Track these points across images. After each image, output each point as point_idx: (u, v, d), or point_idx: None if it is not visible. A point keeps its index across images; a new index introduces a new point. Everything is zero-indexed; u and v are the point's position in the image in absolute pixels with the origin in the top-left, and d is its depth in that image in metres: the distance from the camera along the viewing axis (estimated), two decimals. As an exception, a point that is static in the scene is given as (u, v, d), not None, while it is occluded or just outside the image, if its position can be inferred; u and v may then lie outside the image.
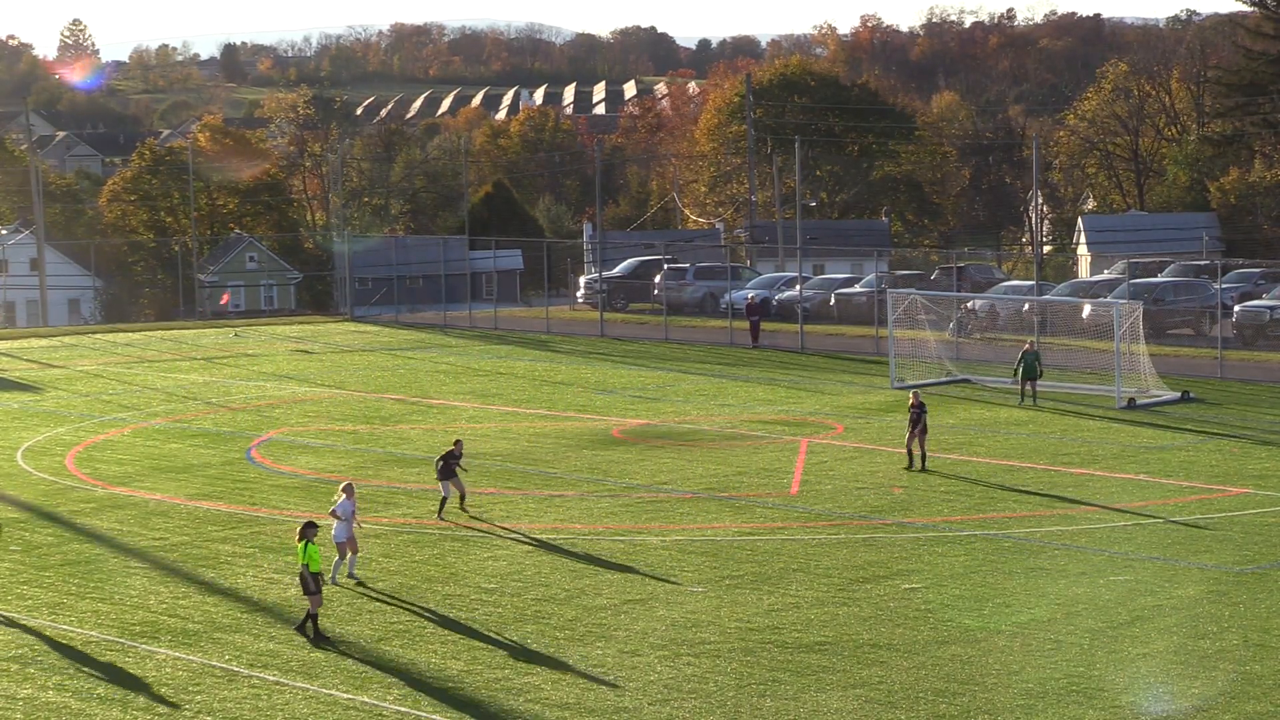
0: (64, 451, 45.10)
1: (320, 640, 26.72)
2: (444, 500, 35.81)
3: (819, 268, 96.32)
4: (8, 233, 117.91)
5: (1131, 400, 51.32)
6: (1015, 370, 52.39)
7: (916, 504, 36.94)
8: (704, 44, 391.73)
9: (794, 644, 26.28)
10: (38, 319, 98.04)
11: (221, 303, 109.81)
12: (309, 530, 27.24)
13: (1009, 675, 24.62)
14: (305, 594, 27.05)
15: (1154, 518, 35.14)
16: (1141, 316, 55.12)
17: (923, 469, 40.31)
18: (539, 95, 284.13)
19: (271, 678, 24.95)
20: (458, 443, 36.24)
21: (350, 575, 30.45)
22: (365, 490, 38.85)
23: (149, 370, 64.47)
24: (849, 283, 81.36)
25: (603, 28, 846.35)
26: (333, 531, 30.33)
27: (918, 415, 40.24)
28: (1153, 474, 40.21)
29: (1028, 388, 51.67)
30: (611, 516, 35.79)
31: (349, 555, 30.55)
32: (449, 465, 35.62)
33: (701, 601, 28.82)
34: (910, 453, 40.67)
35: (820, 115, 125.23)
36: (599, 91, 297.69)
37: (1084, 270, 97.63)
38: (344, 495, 30.70)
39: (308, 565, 26.95)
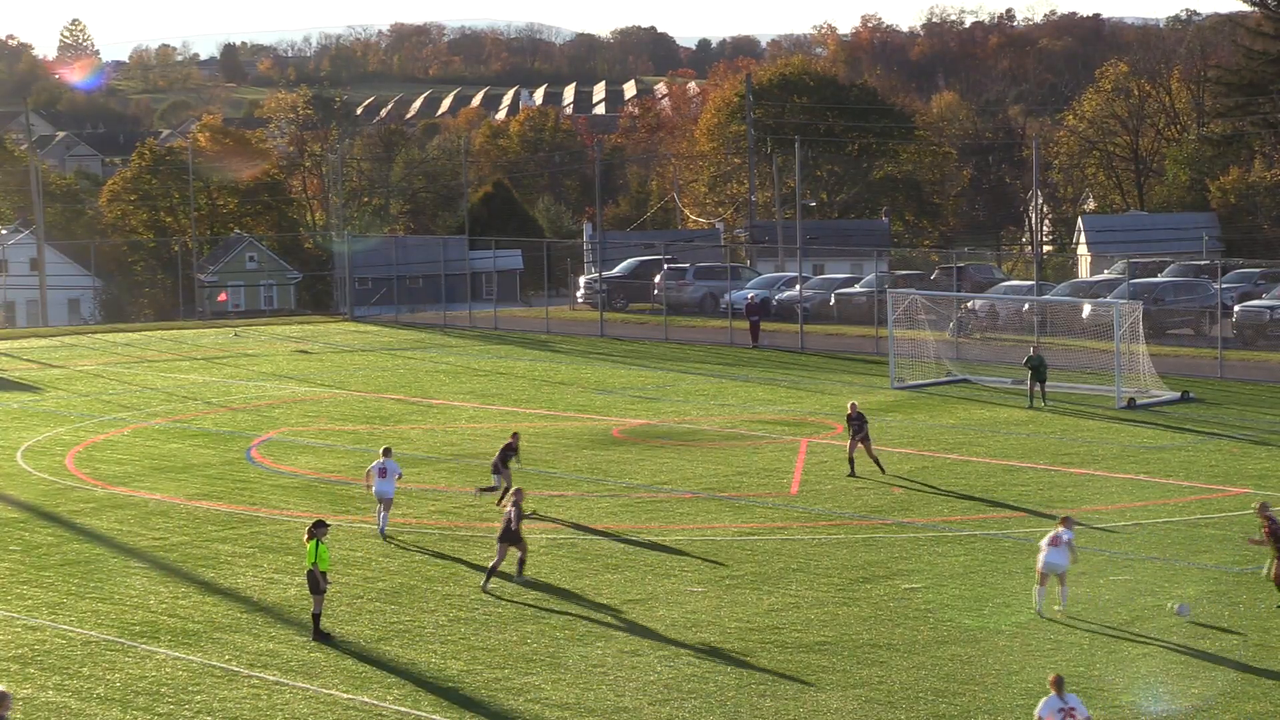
0: (64, 451, 45.11)
1: (321, 639, 26.74)
2: (494, 488, 36.56)
3: (819, 268, 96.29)
4: (8, 233, 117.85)
5: (1131, 400, 51.32)
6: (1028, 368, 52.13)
7: (916, 504, 36.95)
8: (704, 44, 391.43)
9: (794, 644, 26.29)
10: (38, 319, 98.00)
11: (220, 300, 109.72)
12: (319, 529, 27.23)
13: (1009, 675, 24.63)
14: (312, 592, 27.05)
15: (1154, 518, 35.16)
16: (1141, 316, 55.13)
17: (881, 471, 39.53)
18: (539, 95, 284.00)
19: (271, 678, 24.97)
20: (515, 435, 37.43)
21: (381, 531, 33.82)
22: (365, 490, 38.87)
23: (149, 370, 64.48)
24: (849, 283, 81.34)
25: (603, 28, 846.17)
26: (375, 489, 33.95)
27: (859, 425, 39.50)
28: (1153, 474, 40.21)
29: (1036, 389, 51.56)
30: (611, 516, 35.80)
31: (380, 512, 33.91)
32: (504, 458, 36.58)
33: (701, 601, 28.83)
34: (852, 460, 39.83)
35: (820, 115, 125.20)
36: (599, 91, 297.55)
37: (1084, 270, 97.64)
38: (383, 456, 34.16)
39: (317, 564, 26.93)
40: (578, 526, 34.85)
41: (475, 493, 37.41)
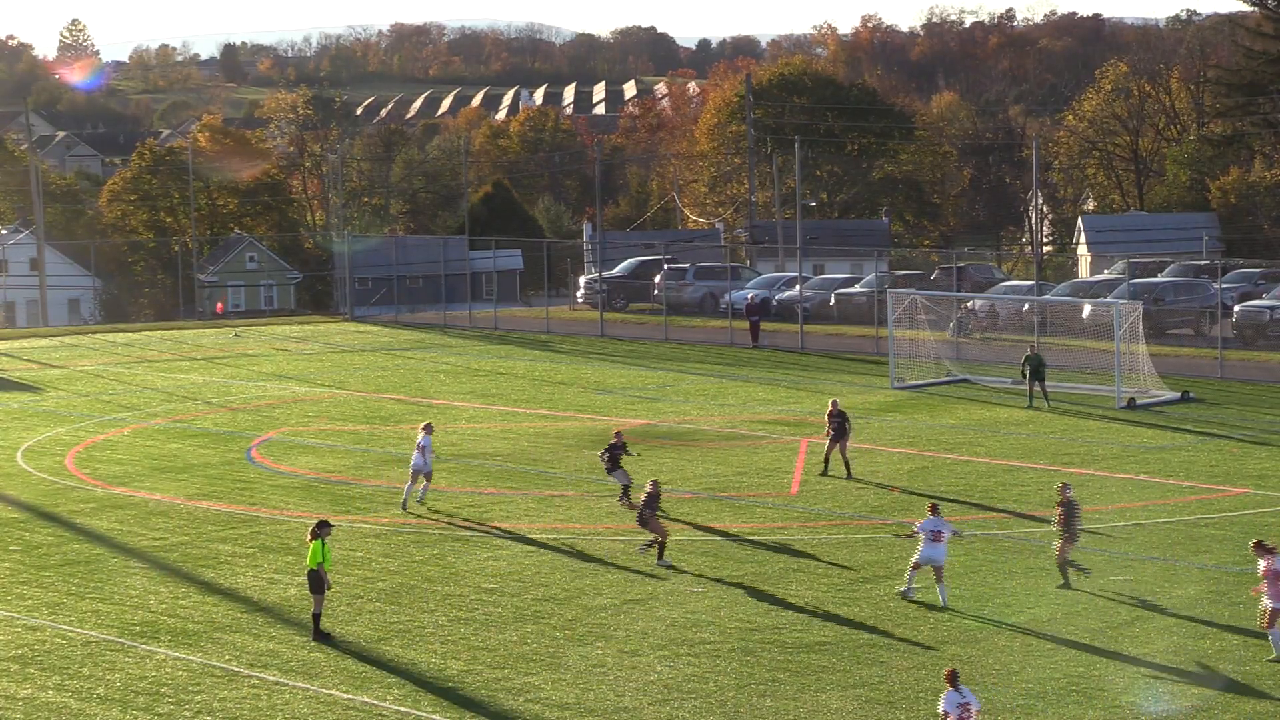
0: (64, 451, 45.11)
1: (321, 639, 26.74)
2: (626, 487, 36.72)
3: (819, 268, 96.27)
4: (8, 233, 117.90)
5: (1131, 400, 51.31)
6: (1022, 371, 52.19)
7: (917, 504, 36.90)
8: (704, 44, 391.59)
9: (794, 644, 26.29)
10: (38, 319, 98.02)
11: (217, 310, 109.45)
12: (322, 529, 27.22)
13: (1009, 675, 24.63)
14: (312, 592, 27.04)
15: (1154, 518, 35.15)
16: (1141, 316, 55.11)
17: (849, 476, 39.60)
18: (539, 95, 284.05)
19: (271, 678, 24.97)
20: (618, 434, 37.57)
21: (420, 501, 36.44)
22: (365, 490, 38.93)
23: (149, 370, 64.48)
24: (849, 283, 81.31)
25: (603, 28, 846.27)
26: (413, 462, 36.50)
27: (840, 423, 39.64)
28: (1153, 474, 40.20)
29: (1035, 388, 51.56)
30: (611, 516, 35.79)
31: (423, 484, 36.48)
32: (614, 457, 36.68)
33: (701, 601, 28.84)
34: (828, 460, 39.93)
35: (820, 115, 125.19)
36: (599, 91, 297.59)
37: (1084, 270, 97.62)
38: (424, 432, 36.63)
39: (322, 564, 26.92)
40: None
41: (622, 503, 36.99)
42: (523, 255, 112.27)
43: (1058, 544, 29.48)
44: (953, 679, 20.37)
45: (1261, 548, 25.76)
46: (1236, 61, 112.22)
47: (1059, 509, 29.52)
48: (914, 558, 28.69)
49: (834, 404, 40.30)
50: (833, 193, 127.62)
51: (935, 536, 28.42)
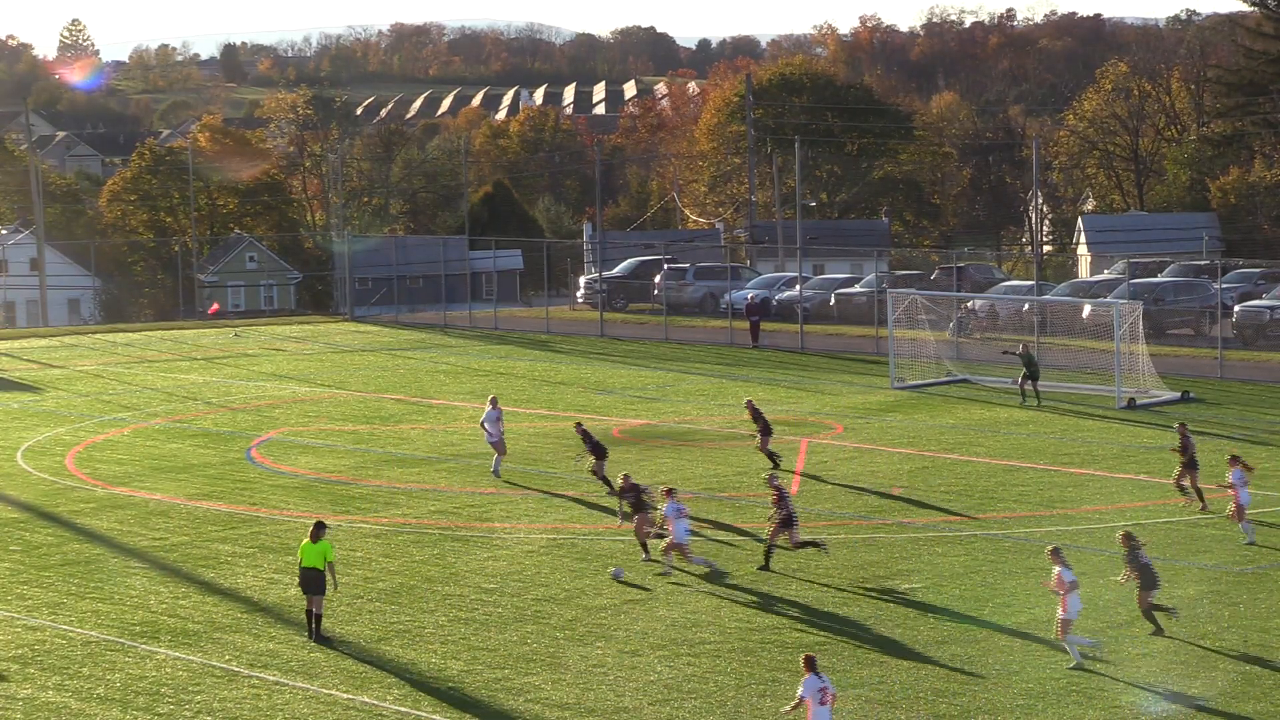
0: (64, 451, 45.11)
1: (321, 641, 26.73)
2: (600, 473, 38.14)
3: (819, 268, 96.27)
4: (8, 233, 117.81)
5: (1131, 400, 51.30)
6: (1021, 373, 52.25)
7: (916, 504, 36.92)
8: (704, 44, 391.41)
9: (794, 644, 26.29)
10: (38, 319, 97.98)
11: (210, 312, 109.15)
12: (320, 530, 27.21)
13: (1009, 675, 24.63)
14: (310, 594, 27.00)
15: (1154, 518, 35.14)
16: (1141, 316, 55.11)
17: (775, 464, 40.68)
18: (539, 95, 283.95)
19: (271, 678, 24.98)
20: (578, 425, 39.14)
21: (495, 473, 39.08)
22: (365, 490, 38.93)
23: (149, 370, 64.47)
24: (849, 283, 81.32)
25: (603, 28, 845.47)
26: (486, 435, 39.69)
27: (757, 418, 41.03)
28: (1153, 474, 40.18)
29: (1028, 387, 51.58)
30: (611, 516, 35.77)
31: (496, 456, 39.32)
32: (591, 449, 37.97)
33: (701, 601, 28.84)
34: (769, 454, 40.90)
35: (820, 115, 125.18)
36: (599, 91, 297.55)
37: (1084, 270, 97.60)
38: (490, 406, 39.59)
39: (330, 564, 26.94)
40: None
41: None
42: (523, 255, 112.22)
43: (771, 527, 30.93)
44: (811, 664, 20.97)
45: (1056, 554, 25.86)
46: (1236, 61, 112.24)
47: (772, 500, 31.06)
48: (672, 540, 30.21)
49: (750, 403, 41.92)
50: (833, 193, 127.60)
51: (679, 515, 30.27)
